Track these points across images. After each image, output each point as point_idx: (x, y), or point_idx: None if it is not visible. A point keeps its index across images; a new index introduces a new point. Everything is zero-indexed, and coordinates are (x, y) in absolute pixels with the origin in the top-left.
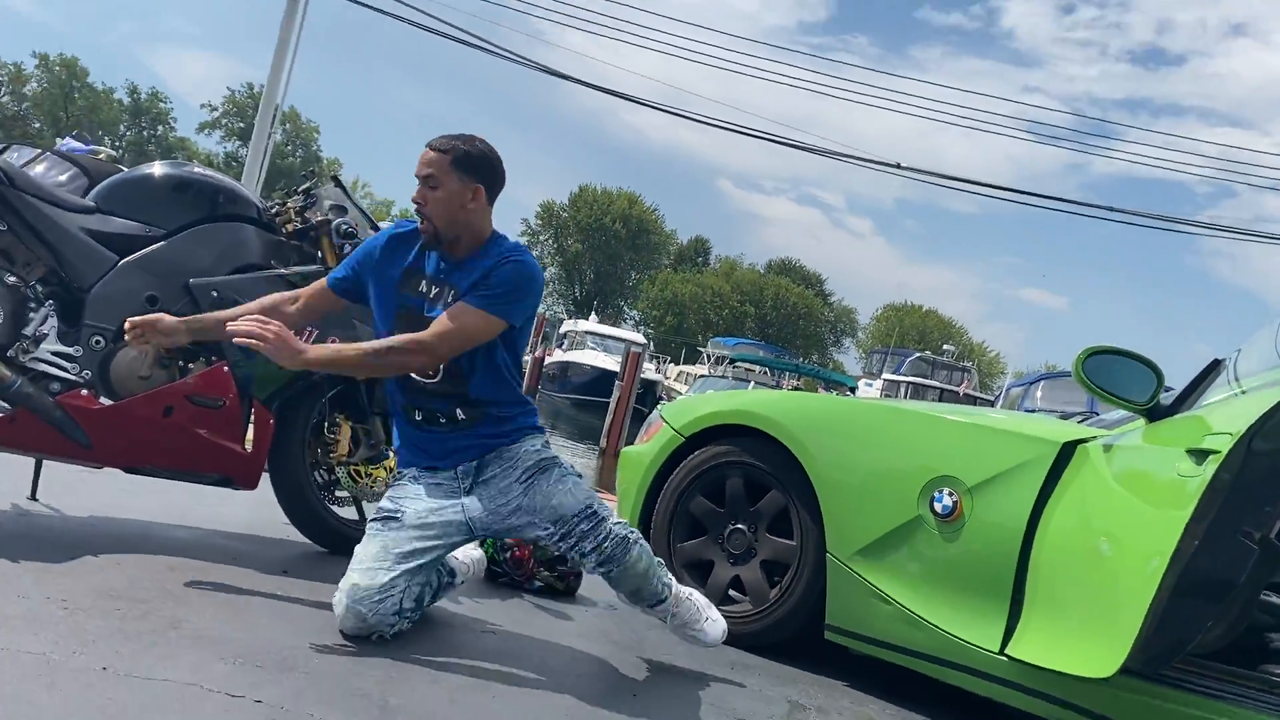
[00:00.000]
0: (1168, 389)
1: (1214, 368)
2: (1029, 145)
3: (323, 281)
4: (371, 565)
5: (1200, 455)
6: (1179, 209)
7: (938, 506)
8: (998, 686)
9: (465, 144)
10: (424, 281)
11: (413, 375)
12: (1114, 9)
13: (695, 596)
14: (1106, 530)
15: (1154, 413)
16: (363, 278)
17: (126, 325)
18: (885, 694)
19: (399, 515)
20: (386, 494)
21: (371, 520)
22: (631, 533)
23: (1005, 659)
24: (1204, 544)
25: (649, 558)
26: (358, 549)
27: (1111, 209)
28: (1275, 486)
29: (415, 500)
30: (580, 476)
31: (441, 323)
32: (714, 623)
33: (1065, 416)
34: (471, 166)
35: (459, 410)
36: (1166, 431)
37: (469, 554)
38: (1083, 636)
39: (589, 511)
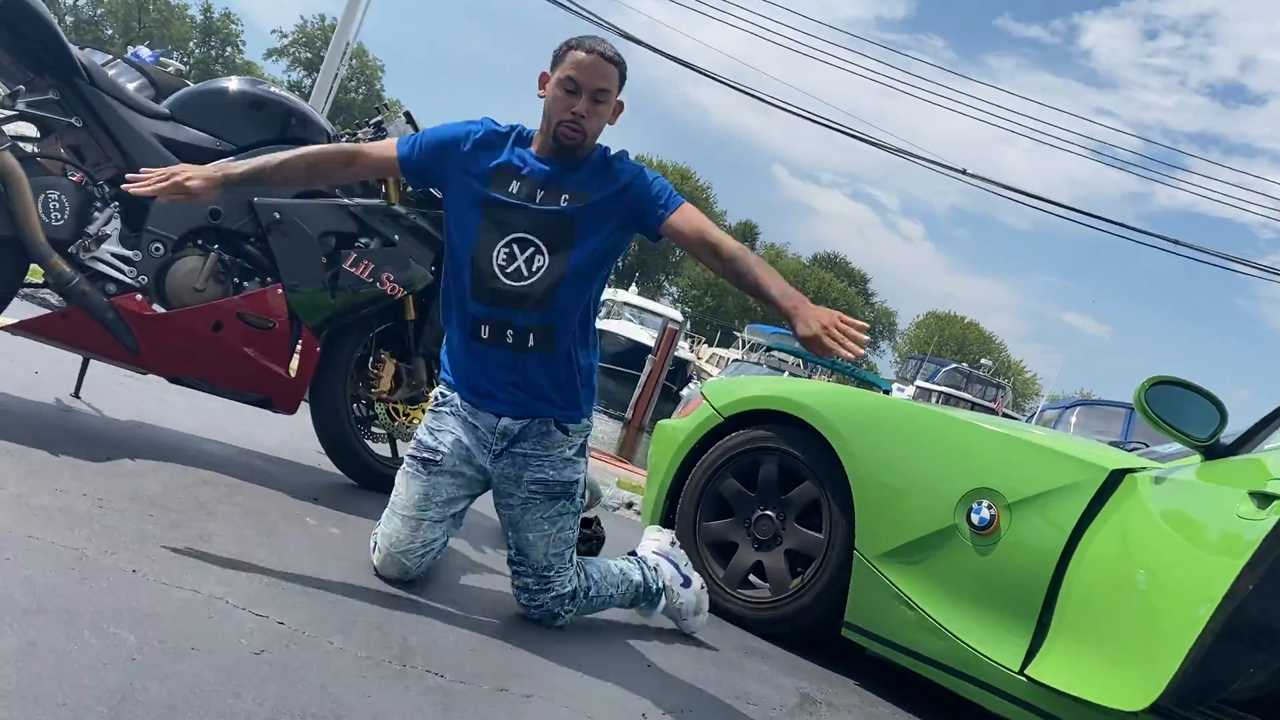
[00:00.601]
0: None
1: None
2: (1092, 168)
3: (391, 150)
4: (415, 514)
5: (1264, 499)
6: (1239, 250)
7: (974, 518)
8: (1012, 706)
9: (623, 59)
10: (517, 181)
11: (505, 276)
12: (1199, 39)
13: (684, 595)
14: (1147, 563)
15: (1212, 451)
16: (440, 166)
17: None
18: (895, 698)
19: (439, 460)
20: (424, 423)
21: (411, 457)
22: (569, 593)
23: (1024, 679)
24: (1257, 590)
25: (593, 605)
26: (398, 491)
27: (1169, 239)
28: None
29: (454, 444)
30: (578, 510)
31: (699, 220)
32: (698, 617)
33: (1114, 444)
34: (625, 82)
35: (532, 333)
36: (1225, 471)
37: None
38: (1112, 666)
39: (545, 570)
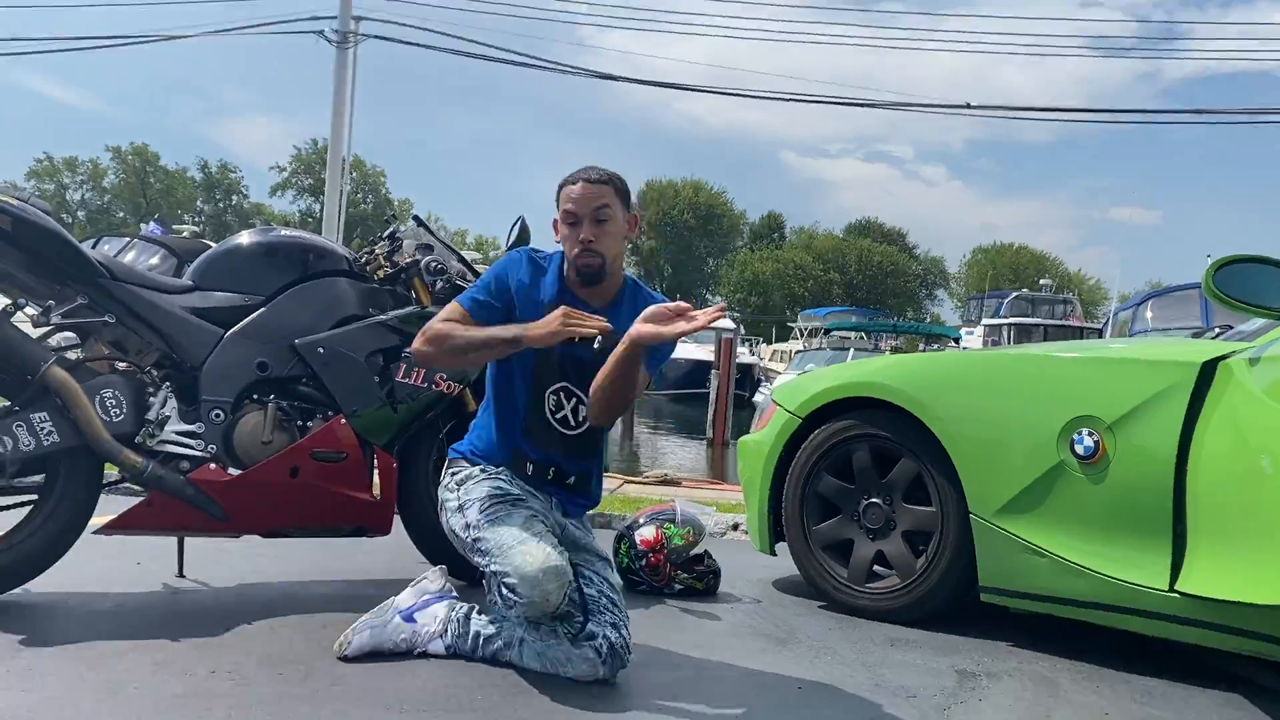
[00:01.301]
0: None
1: None
2: (1095, 63)
3: (457, 312)
4: (535, 530)
5: None
6: (1263, 97)
7: (1079, 449)
8: (1173, 625)
9: (615, 175)
10: None
11: (555, 423)
12: None
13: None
14: (1266, 447)
15: None
16: (510, 306)
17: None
18: (1054, 649)
19: (520, 494)
20: (482, 481)
21: (494, 504)
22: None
23: (1177, 595)
24: None
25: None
26: (506, 528)
27: (1189, 110)
28: None
29: (525, 494)
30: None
31: None
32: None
33: (1197, 333)
34: (628, 197)
35: (574, 477)
36: None
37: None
38: (1262, 561)
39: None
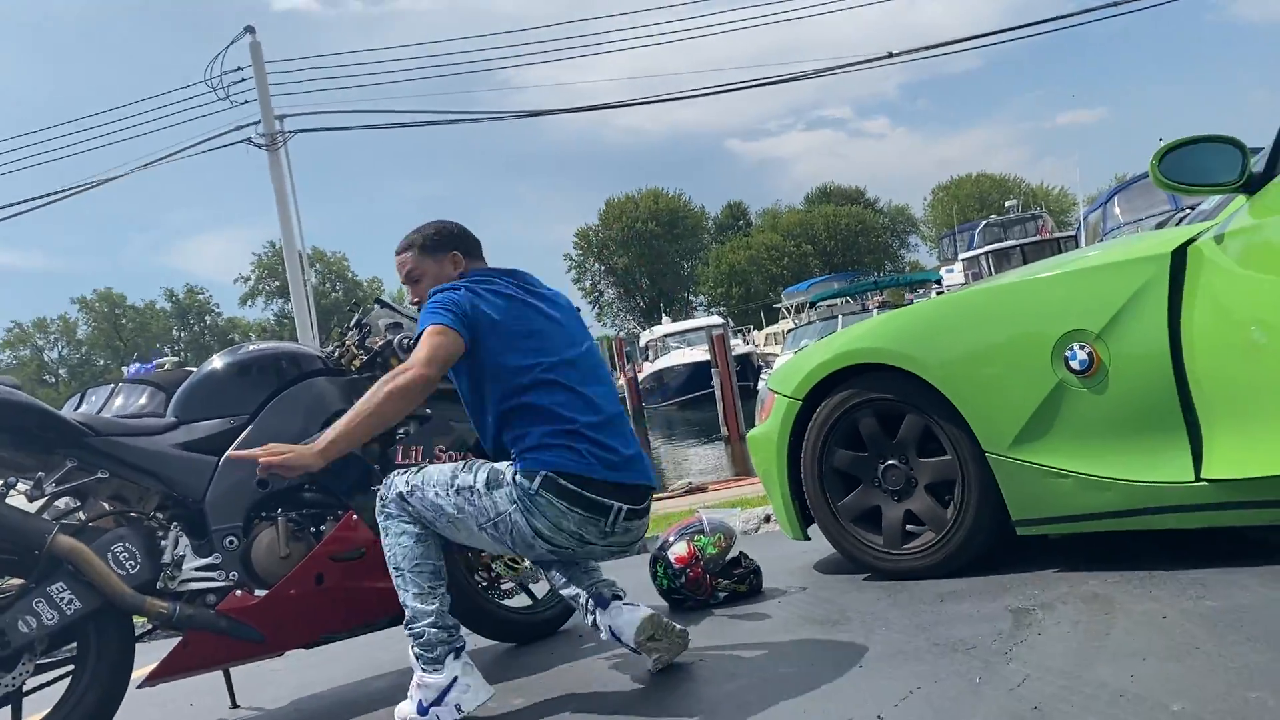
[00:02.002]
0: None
1: None
2: None
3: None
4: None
5: None
6: None
7: (1074, 364)
8: (1208, 513)
9: (415, 236)
10: None
11: None
12: None
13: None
14: (1254, 317)
15: (1250, 185)
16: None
17: (259, 470)
18: (1101, 565)
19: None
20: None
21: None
22: None
23: (1205, 484)
24: None
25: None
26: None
27: (1108, 4)
28: None
29: None
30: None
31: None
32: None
33: (1160, 225)
34: (436, 241)
35: None
36: (1274, 197)
37: None
38: (1275, 431)
39: None
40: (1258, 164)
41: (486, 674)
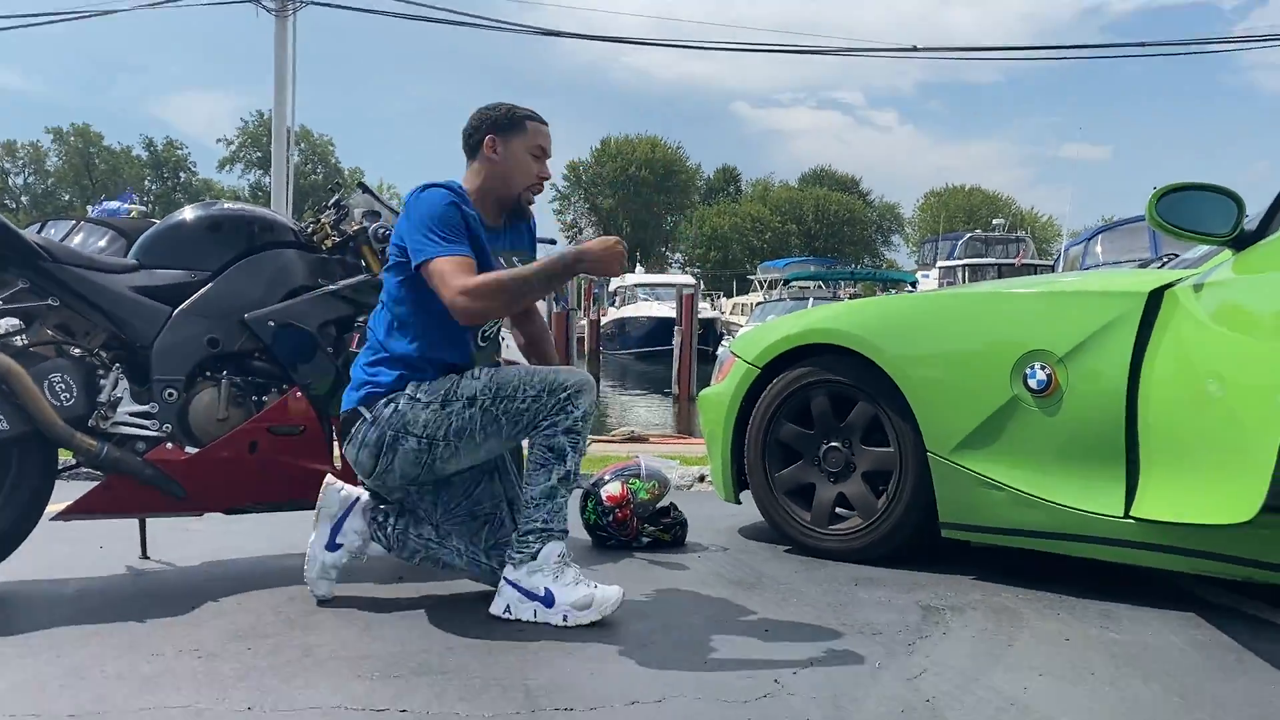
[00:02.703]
0: (1248, 215)
1: None
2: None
3: (466, 263)
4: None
5: None
6: (1208, 28)
7: (1032, 383)
8: (1129, 550)
9: None
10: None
11: (478, 340)
12: None
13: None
14: (1214, 371)
15: (1240, 241)
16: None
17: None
18: (1015, 580)
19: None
20: (445, 383)
21: (491, 378)
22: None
23: (1131, 521)
24: None
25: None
26: (538, 376)
27: (1135, 44)
28: None
29: None
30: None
31: None
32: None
33: (1144, 263)
34: None
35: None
36: (1260, 257)
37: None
38: (1211, 484)
39: None
40: (1251, 223)
41: (349, 612)
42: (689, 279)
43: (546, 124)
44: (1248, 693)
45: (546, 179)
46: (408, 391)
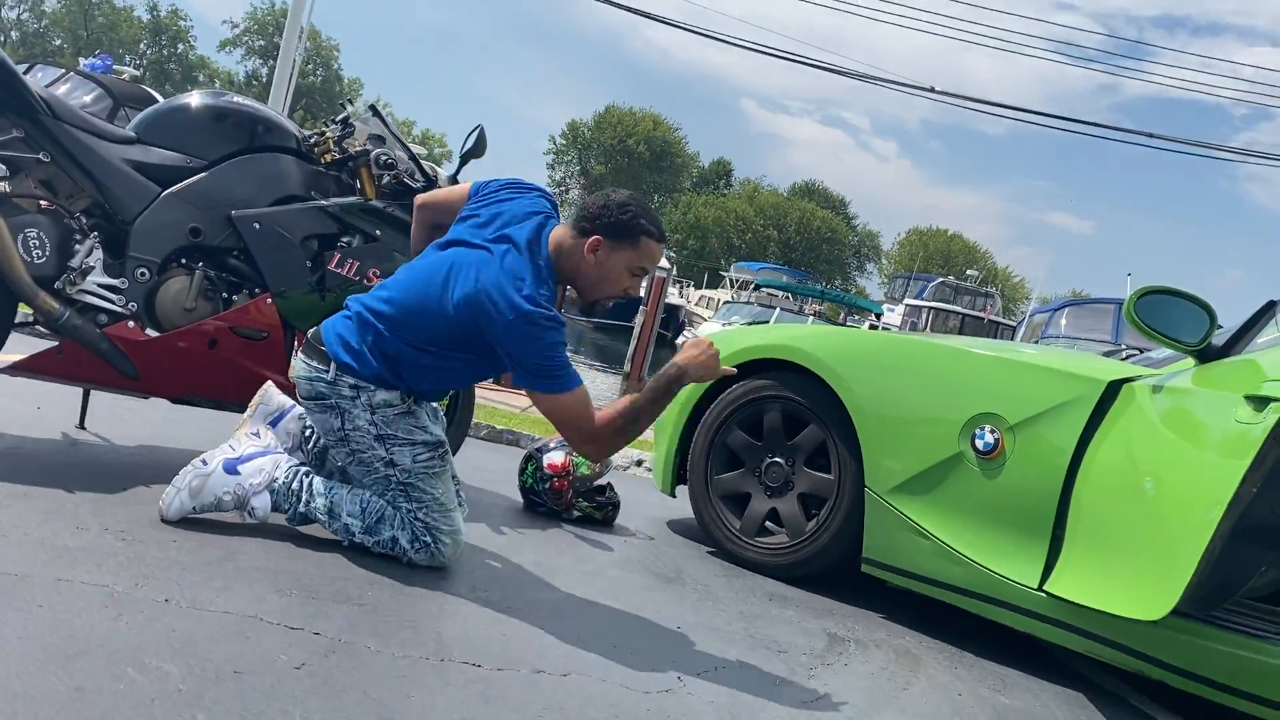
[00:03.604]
0: (1219, 328)
1: (1269, 309)
2: (1059, 66)
3: (578, 397)
4: (455, 504)
5: (1260, 402)
6: (1214, 131)
7: (979, 443)
8: (1035, 622)
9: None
10: None
11: None
12: None
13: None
14: (1153, 471)
15: (1205, 354)
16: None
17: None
18: (922, 627)
19: (442, 442)
20: (413, 424)
21: (434, 450)
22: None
23: (1044, 595)
24: (1262, 492)
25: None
26: (439, 488)
27: (1143, 133)
28: None
29: (436, 425)
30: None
31: None
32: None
33: (1109, 354)
34: None
35: None
36: (1219, 374)
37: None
38: (1128, 576)
39: None
40: (1219, 337)
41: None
42: (664, 262)
43: (663, 241)
44: None
45: (634, 296)
46: (376, 399)
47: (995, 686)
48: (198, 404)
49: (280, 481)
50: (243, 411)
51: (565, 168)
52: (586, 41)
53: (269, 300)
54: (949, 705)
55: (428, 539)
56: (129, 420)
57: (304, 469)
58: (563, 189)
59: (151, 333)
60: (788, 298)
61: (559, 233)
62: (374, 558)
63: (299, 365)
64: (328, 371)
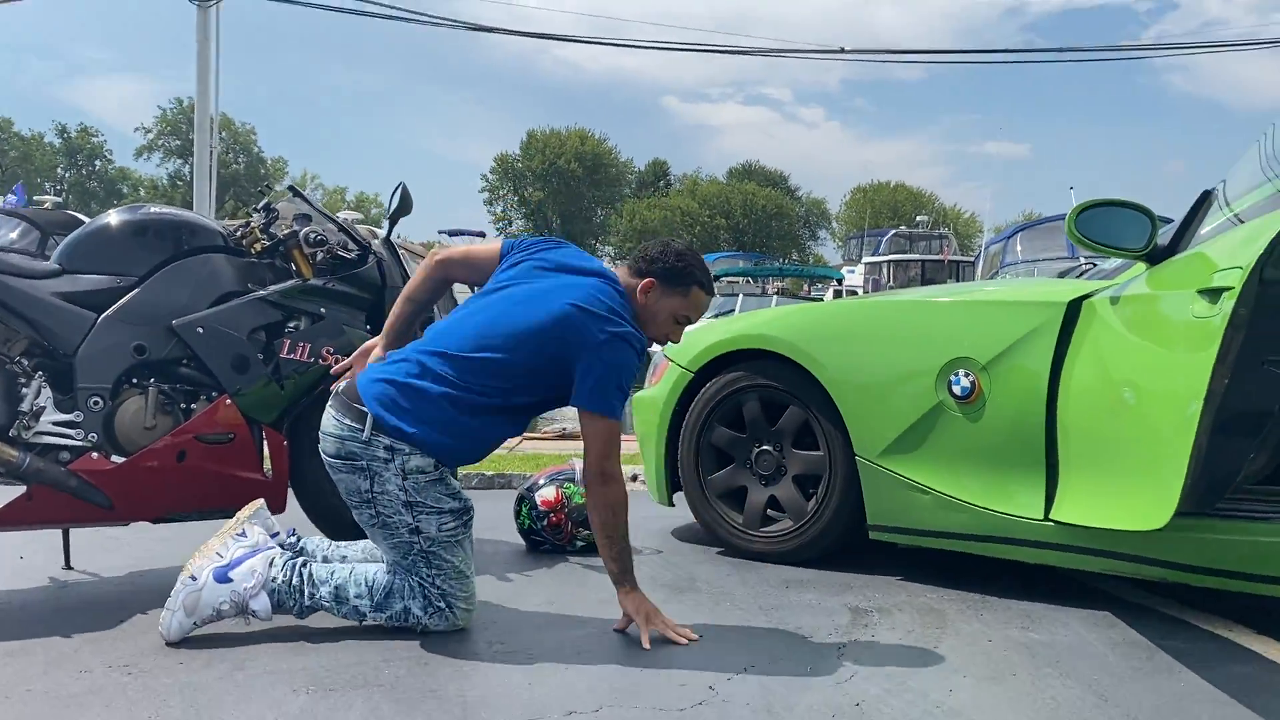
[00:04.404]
0: (1162, 228)
1: (1205, 199)
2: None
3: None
4: (472, 569)
5: (1213, 294)
6: (1123, 32)
7: (956, 389)
8: (1049, 552)
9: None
10: None
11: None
12: None
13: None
14: (1128, 380)
15: (1153, 256)
16: None
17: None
18: (941, 580)
19: (469, 508)
20: (441, 492)
21: (459, 519)
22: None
23: (1051, 524)
24: (1233, 381)
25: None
26: (458, 555)
27: (1055, 49)
28: None
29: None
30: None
31: None
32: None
33: (1067, 270)
34: None
35: None
36: (1170, 273)
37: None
38: (1126, 490)
39: None
40: (1164, 236)
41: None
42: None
43: (711, 295)
44: (1160, 690)
45: (674, 342)
46: (410, 464)
47: (1023, 625)
48: (180, 519)
49: (279, 581)
50: (228, 517)
51: (503, 201)
52: (498, 73)
53: (228, 401)
54: (982, 654)
55: (442, 604)
56: (115, 550)
57: (299, 560)
58: (507, 222)
59: (118, 459)
60: (748, 282)
61: (619, 272)
62: (384, 633)
63: (328, 421)
64: (362, 430)
